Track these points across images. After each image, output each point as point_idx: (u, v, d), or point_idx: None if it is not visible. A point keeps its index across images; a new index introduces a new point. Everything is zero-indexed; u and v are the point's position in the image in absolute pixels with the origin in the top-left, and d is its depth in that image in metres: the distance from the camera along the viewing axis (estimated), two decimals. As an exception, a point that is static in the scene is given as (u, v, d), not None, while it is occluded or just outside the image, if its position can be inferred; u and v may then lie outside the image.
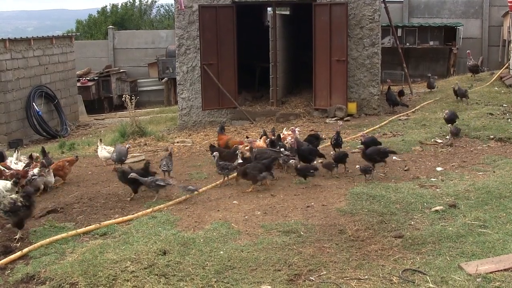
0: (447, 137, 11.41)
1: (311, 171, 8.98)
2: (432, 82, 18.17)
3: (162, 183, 8.47)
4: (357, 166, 9.10)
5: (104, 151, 11.09)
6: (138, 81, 28.50)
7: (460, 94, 15.00)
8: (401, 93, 16.85)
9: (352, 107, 15.54)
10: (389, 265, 5.92)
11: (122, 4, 41.65)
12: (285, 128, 12.13)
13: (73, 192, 9.22)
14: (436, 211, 7.31)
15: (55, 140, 18.89)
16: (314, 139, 10.67)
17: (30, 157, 10.71)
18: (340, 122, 13.74)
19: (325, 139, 11.67)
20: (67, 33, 28.05)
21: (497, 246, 6.16)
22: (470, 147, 10.83)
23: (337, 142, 10.44)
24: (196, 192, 8.54)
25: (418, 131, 12.35)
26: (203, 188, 8.90)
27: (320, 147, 10.64)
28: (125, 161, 10.78)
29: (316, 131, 12.88)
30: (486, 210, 7.27)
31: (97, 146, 11.68)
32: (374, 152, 9.28)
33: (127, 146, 11.04)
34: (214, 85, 15.91)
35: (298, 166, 9.08)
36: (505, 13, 23.08)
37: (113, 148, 11.26)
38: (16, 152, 11.15)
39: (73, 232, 7.24)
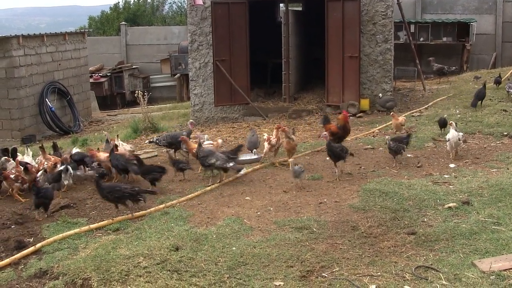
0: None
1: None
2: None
3: None
4: None
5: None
6: (151, 77, 28.53)
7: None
8: None
9: (365, 103, 15.48)
10: (402, 261, 5.90)
11: (134, 0, 41.68)
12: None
13: (86, 188, 9.27)
14: (449, 208, 7.26)
15: (68, 136, 19.01)
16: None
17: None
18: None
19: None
20: (80, 30, 28.11)
21: (511, 243, 6.11)
22: (483, 144, 10.75)
23: None
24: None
25: (431, 127, 12.26)
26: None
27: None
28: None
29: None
30: (500, 207, 7.21)
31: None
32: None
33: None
34: (227, 81, 15.92)
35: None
36: (519, 9, 22.92)
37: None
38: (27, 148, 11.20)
39: (86, 227, 7.29)
